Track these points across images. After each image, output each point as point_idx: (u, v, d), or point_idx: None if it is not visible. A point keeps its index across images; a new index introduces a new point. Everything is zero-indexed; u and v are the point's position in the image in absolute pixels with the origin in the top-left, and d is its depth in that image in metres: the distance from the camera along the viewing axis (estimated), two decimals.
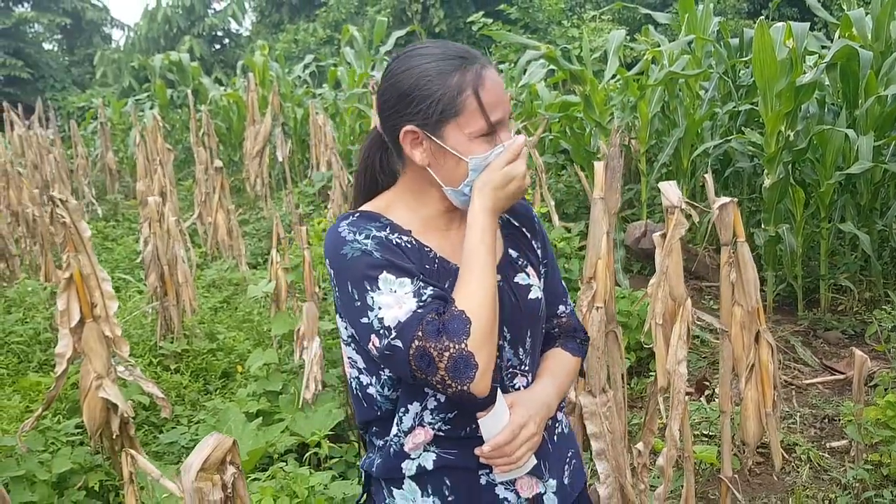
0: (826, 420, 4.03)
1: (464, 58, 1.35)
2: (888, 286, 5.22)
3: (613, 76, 6.17)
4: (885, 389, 3.61)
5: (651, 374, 4.20)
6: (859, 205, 5.42)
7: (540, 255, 1.56)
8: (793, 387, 4.36)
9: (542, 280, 1.53)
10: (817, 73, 4.72)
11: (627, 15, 12.76)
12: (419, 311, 1.25)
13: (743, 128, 5.79)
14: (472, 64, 1.35)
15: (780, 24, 5.03)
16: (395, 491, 1.42)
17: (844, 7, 6.00)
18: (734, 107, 5.84)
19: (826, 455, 3.66)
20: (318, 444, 3.41)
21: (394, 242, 1.35)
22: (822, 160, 5.18)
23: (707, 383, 4.18)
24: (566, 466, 1.53)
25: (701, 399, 4.07)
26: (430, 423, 1.39)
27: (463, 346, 1.22)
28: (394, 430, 1.39)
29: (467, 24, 17.52)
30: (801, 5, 14.19)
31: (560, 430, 1.54)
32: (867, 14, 5.31)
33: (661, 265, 2.19)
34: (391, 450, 1.41)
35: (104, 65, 16.78)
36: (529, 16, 11.69)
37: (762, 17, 4.82)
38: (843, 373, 4.45)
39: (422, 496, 1.39)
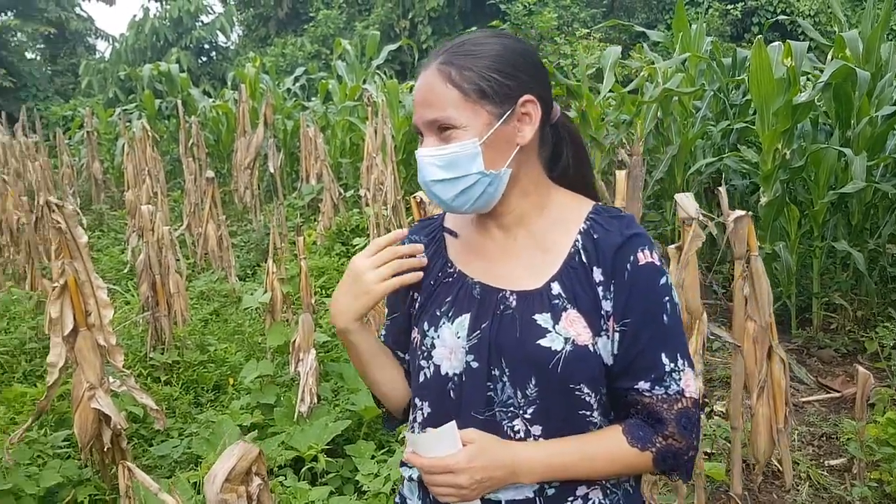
0: (823, 438, 4.02)
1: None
2: (882, 305, 5.24)
3: (610, 91, 6.19)
4: (885, 407, 3.61)
5: None
6: (851, 224, 5.45)
7: (608, 309, 1.26)
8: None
9: (598, 336, 1.25)
10: (814, 92, 4.75)
11: (614, 36, 12.88)
12: None
13: (738, 145, 5.82)
14: (423, 63, 1.34)
15: (777, 43, 5.06)
16: (405, 482, 1.44)
17: (836, 29, 6.06)
18: (728, 125, 5.86)
19: (825, 473, 3.64)
20: (315, 459, 3.35)
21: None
22: (816, 179, 5.21)
23: (706, 399, 4.15)
24: None
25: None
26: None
27: None
28: None
29: None
30: (783, 30, 14.40)
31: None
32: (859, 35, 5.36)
33: (677, 278, 2.16)
34: None
35: (89, 75, 16.65)
36: (522, 32, 11.74)
37: (759, 36, 4.85)
38: (838, 391, 4.44)
39: (417, 497, 1.39)
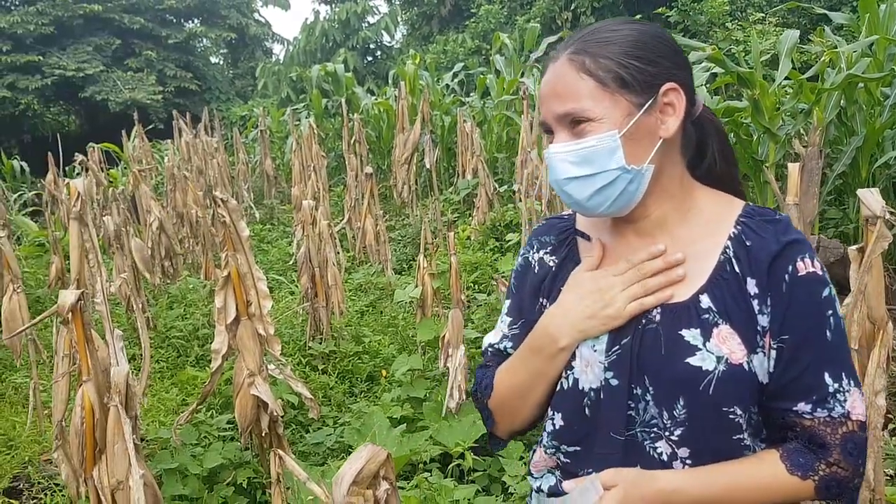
0: None
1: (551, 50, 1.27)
2: None
3: (786, 79, 5.76)
4: None
5: None
6: None
7: (764, 324, 1.13)
8: None
9: (754, 354, 1.13)
10: None
11: (792, 20, 12.02)
12: (487, 350, 1.39)
13: None
14: (551, 56, 1.23)
15: None
16: (533, 495, 1.37)
17: None
18: None
19: None
20: (462, 456, 3.33)
21: (534, 267, 1.35)
22: None
23: (890, 416, 3.76)
24: None
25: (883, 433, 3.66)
26: (545, 447, 1.29)
27: (486, 401, 1.35)
28: None
29: None
30: None
31: None
32: None
33: (859, 283, 1.92)
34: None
35: (265, 77, 17.63)
36: (690, 18, 11.18)
37: None
38: None
39: None
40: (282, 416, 3.34)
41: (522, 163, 5.46)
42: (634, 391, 1.17)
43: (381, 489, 1.21)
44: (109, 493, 1.92)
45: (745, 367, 1.12)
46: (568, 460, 1.25)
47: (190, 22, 22.47)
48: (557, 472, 1.29)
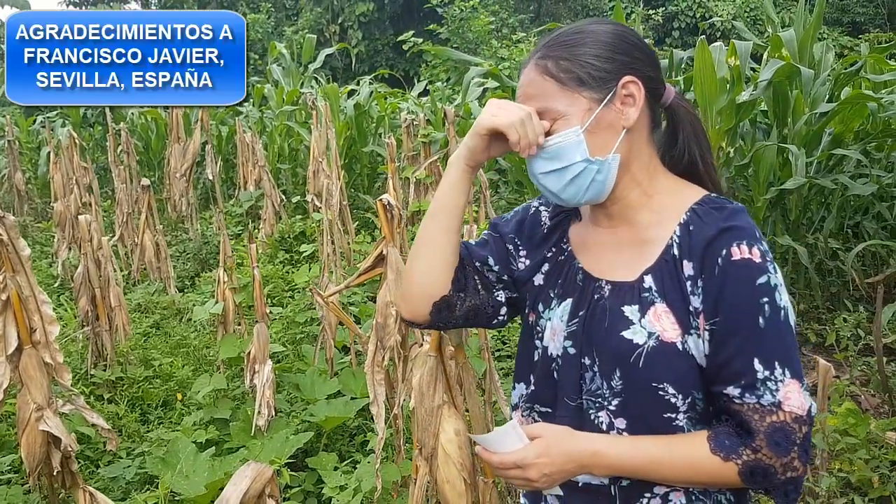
0: None
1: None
2: (823, 298, 5.38)
3: None
4: (840, 396, 3.69)
5: None
6: (788, 219, 5.59)
7: (697, 306, 1.19)
8: None
9: (689, 335, 1.19)
10: (758, 92, 4.85)
11: None
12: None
13: None
14: (523, 62, 1.34)
15: (718, 43, 5.16)
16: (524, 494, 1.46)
17: (769, 29, 6.22)
18: None
19: None
20: (278, 473, 3.23)
21: (532, 212, 1.45)
22: (756, 176, 5.32)
23: None
24: None
25: None
26: (522, 409, 1.38)
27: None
28: None
29: (385, 45, 17.52)
30: (702, 33, 14.79)
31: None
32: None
33: None
34: None
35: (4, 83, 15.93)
36: (459, 36, 11.73)
37: (702, 36, 4.93)
38: None
39: None
40: (75, 452, 3.05)
41: (315, 173, 5.41)
42: (584, 361, 1.26)
43: None
44: None
45: (679, 346, 1.19)
46: (540, 420, 1.33)
47: None
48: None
